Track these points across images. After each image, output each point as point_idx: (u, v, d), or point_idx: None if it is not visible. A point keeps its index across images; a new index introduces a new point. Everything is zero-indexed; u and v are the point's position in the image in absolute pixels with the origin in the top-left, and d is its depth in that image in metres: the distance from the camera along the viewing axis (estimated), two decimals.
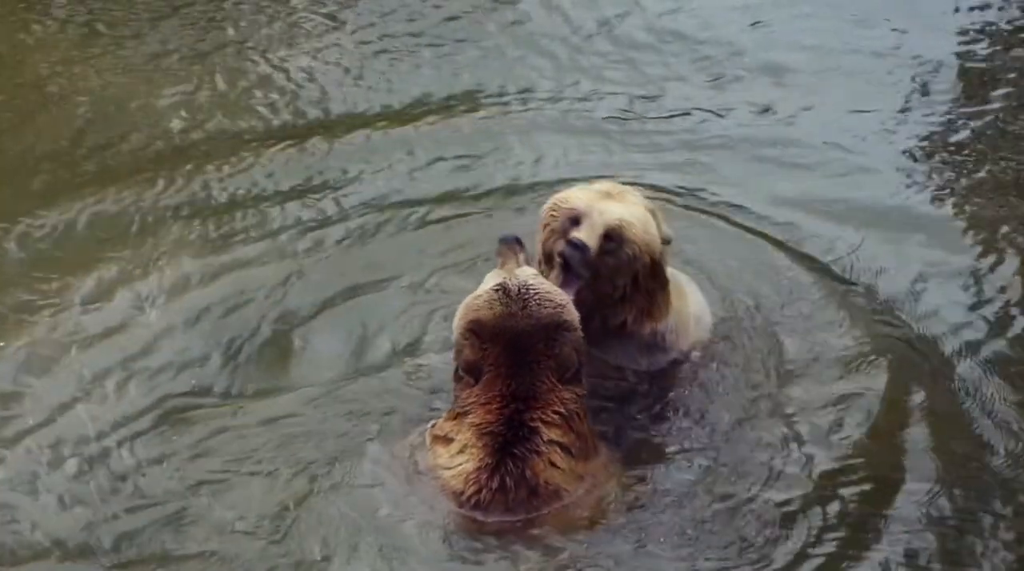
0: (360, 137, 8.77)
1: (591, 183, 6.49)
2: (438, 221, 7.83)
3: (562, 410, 5.72)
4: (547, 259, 6.34)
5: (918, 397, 6.56)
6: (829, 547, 5.78)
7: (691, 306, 6.63)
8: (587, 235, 6.08)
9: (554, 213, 6.26)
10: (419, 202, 8.04)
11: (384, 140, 8.74)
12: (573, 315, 5.84)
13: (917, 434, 6.34)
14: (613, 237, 6.15)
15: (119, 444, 6.20)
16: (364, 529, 5.75)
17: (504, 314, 5.72)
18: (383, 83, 9.42)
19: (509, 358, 5.69)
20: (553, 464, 5.68)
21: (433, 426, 5.92)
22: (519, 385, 5.68)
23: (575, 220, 6.16)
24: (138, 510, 5.89)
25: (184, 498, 5.91)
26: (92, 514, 5.85)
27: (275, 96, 9.20)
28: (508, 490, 5.61)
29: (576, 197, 6.25)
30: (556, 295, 5.85)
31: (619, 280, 6.24)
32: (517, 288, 5.77)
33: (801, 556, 5.72)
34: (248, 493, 5.93)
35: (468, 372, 5.74)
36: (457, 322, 5.86)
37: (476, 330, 5.74)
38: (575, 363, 5.77)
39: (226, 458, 6.13)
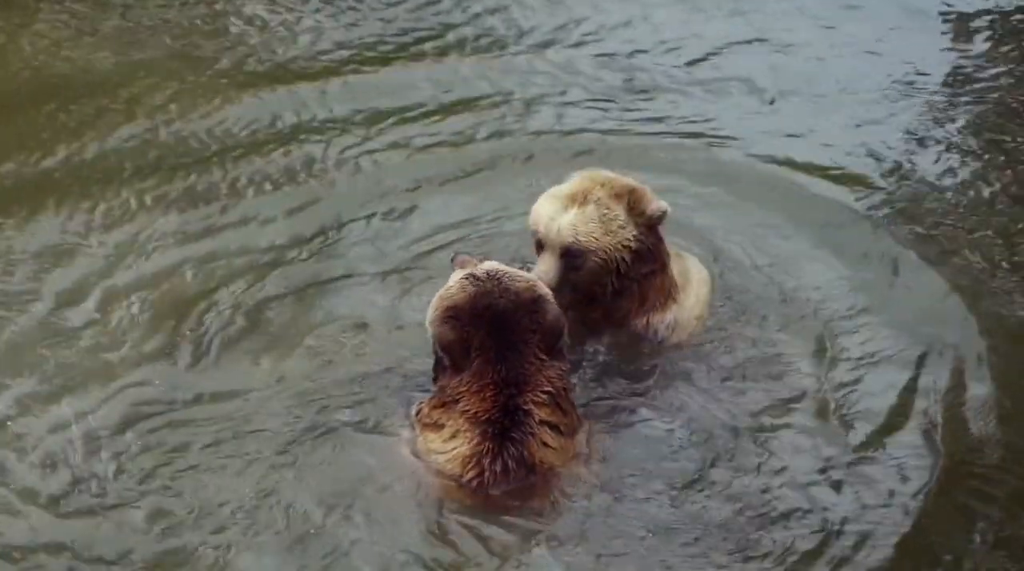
0: (317, 87, 8.80)
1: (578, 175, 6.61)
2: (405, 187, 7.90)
3: (549, 389, 5.86)
4: None
5: (961, 369, 6.59)
6: (828, 542, 5.73)
7: (692, 299, 6.72)
8: (546, 267, 6.39)
9: (529, 232, 6.54)
10: (382, 162, 8.12)
11: (353, 89, 8.79)
12: (546, 289, 6.00)
13: (951, 414, 6.32)
14: (573, 253, 6.39)
15: (84, 435, 6.09)
16: (357, 513, 5.75)
17: (479, 293, 5.85)
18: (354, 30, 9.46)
19: (495, 341, 5.80)
20: (545, 444, 5.84)
21: (418, 413, 6.02)
22: (509, 370, 5.79)
23: (540, 245, 6.46)
24: (117, 503, 5.79)
25: (161, 489, 5.83)
26: (58, 506, 5.79)
27: (226, 46, 9.19)
28: (510, 471, 5.76)
29: (539, 215, 6.47)
30: (524, 274, 6.02)
31: (603, 279, 6.47)
32: (486, 272, 5.93)
33: (806, 552, 5.68)
34: (228, 482, 5.86)
35: (450, 355, 5.83)
36: (432, 314, 5.95)
37: (454, 315, 5.85)
38: (560, 331, 5.89)
39: (199, 446, 6.06)
